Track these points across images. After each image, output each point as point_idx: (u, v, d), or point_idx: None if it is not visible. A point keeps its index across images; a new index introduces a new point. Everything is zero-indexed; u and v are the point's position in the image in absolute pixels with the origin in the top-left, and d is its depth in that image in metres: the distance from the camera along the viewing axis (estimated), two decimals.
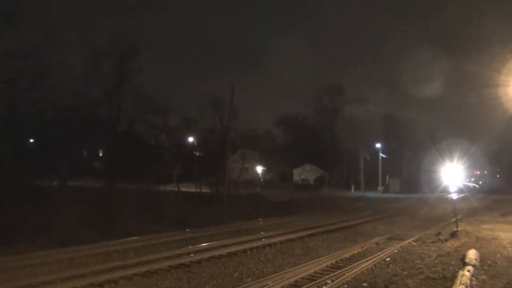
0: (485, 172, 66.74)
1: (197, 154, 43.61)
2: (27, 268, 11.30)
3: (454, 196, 34.48)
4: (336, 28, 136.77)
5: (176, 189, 36.78)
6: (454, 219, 19.76)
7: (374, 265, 12.07)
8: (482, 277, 9.94)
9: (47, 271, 10.95)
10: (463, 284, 8.72)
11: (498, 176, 68.56)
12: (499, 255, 12.53)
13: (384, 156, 58.22)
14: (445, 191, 49.43)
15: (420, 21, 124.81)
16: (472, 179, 59.17)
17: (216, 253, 13.73)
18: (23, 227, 16.24)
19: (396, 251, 14.26)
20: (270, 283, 9.97)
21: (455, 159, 52.07)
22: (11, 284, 9.77)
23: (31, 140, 34.55)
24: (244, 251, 14.43)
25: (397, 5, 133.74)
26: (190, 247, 14.75)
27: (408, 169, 64.50)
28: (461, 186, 55.94)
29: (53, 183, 28.78)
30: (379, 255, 13.32)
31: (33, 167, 26.91)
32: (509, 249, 13.48)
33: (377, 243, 16.18)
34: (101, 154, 46.07)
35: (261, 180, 63.16)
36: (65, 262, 12.14)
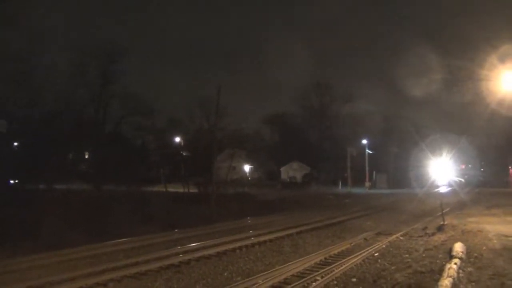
0: (470, 166, 67.60)
1: (185, 154, 43.49)
2: (14, 273, 11.16)
3: (441, 190, 34.93)
4: (326, 25, 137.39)
5: (164, 189, 36.68)
6: (441, 213, 20.02)
7: (363, 260, 12.18)
8: (469, 269, 10.09)
9: (35, 276, 10.81)
10: (450, 276, 8.85)
11: (482, 170, 69.57)
12: (484, 248, 12.72)
13: (370, 152, 58.67)
14: (432, 185, 50.14)
15: (410, 18, 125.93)
16: (458, 173, 60.01)
17: (205, 253, 13.71)
18: (9, 231, 16.03)
19: (384, 246, 14.39)
20: (260, 281, 10.00)
21: (442, 154, 52.86)
22: None
23: (15, 144, 34.16)
24: (233, 250, 14.44)
25: (387, 2, 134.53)
26: (179, 247, 14.71)
27: (396, 164, 65.09)
28: (448, 180, 56.83)
29: (39, 186, 28.41)
30: (367, 250, 13.44)
31: (19, 169, 26.60)
32: (495, 241, 13.69)
33: (365, 239, 16.31)
34: (87, 156, 45.64)
35: (249, 178, 63.17)
36: (53, 266, 12.01)
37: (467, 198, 34.32)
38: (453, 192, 41.53)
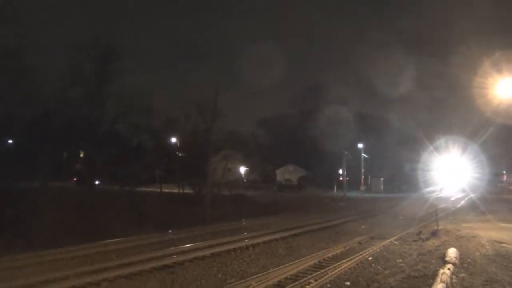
0: (465, 172, 67.70)
1: (180, 155, 43.35)
2: (6, 270, 11.09)
3: (435, 195, 34.98)
4: (312, 30, 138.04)
5: (159, 190, 36.58)
6: (435, 218, 20.06)
7: (357, 264, 12.19)
8: (462, 275, 10.11)
9: (27, 274, 10.75)
10: (443, 282, 8.87)
11: (477, 175, 69.67)
12: (478, 253, 12.76)
13: (366, 156, 58.73)
14: (427, 190, 50.30)
15: (395, 23, 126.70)
16: (453, 179, 60.33)
17: (199, 254, 13.69)
18: (1, 230, 15.95)
19: (378, 250, 14.41)
20: (254, 283, 9.99)
21: (436, 161, 52.97)
22: None
23: (10, 141, 34.02)
24: (228, 251, 14.42)
25: (371, 6, 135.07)
26: (173, 248, 14.69)
27: (392, 169, 65.07)
28: (444, 186, 57.02)
29: (33, 185, 28.27)
30: (361, 254, 13.45)
31: (12, 168, 26.45)
32: (488, 247, 13.74)
33: (359, 243, 16.33)
34: (82, 155, 45.44)
35: (244, 180, 63.06)
36: (46, 265, 11.95)
37: (460, 204, 34.46)
38: (447, 197, 41.63)
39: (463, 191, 48.97)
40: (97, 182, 36.40)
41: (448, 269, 10.09)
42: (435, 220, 19.94)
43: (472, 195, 41.95)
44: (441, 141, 56.01)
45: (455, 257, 11.59)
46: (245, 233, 18.53)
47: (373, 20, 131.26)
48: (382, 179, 62.76)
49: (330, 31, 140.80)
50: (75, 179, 39.72)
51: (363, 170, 57.77)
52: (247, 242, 16.05)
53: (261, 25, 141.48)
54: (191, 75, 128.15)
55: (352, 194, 51.50)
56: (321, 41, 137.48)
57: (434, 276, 9.76)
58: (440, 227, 18.72)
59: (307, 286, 9.88)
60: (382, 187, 61.43)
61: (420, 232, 18.12)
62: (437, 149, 55.97)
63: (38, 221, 17.44)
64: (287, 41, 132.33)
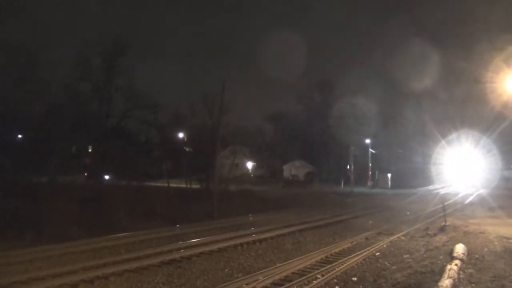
0: (472, 167, 67.25)
1: (187, 149, 43.50)
2: (16, 264, 11.23)
3: (443, 190, 34.80)
4: (328, 24, 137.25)
5: (166, 184, 36.74)
6: (443, 213, 19.96)
7: (364, 259, 12.20)
8: (470, 270, 10.07)
9: (36, 268, 10.89)
10: (450, 277, 8.84)
11: (488, 169, 69.07)
12: (486, 249, 12.68)
13: (373, 151, 58.53)
14: (436, 186, 50.12)
15: (413, 20, 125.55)
16: (463, 174, 59.98)
17: (206, 248, 13.75)
18: (12, 223, 16.11)
19: (385, 245, 14.40)
20: (260, 278, 10.03)
21: (448, 156, 52.59)
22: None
23: (20, 136, 34.36)
24: (235, 246, 14.48)
25: (388, 2, 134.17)
26: (180, 243, 14.77)
27: (399, 164, 64.81)
28: (453, 181, 56.73)
29: (42, 179, 28.50)
30: (368, 249, 13.46)
31: (22, 162, 26.68)
32: (496, 243, 13.65)
33: (366, 238, 16.31)
34: (90, 150, 45.77)
35: (252, 176, 63.13)
36: (54, 259, 12.08)
37: (468, 199, 34.26)
38: (454, 193, 41.44)
39: (474, 186, 48.68)
40: (107, 177, 36.75)
41: (456, 265, 10.05)
42: (442, 216, 19.82)
43: (482, 191, 41.70)
44: (453, 136, 55.69)
45: (463, 253, 11.53)
46: (252, 228, 18.57)
47: (392, 12, 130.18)
48: (389, 174, 62.48)
49: (348, 22, 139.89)
50: (86, 174, 40.14)
51: (370, 165, 57.62)
52: (254, 237, 16.09)
53: (276, 18, 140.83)
54: (199, 70, 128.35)
55: (359, 189, 51.37)
56: (337, 34, 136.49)
57: (441, 272, 9.72)
58: (448, 223, 18.62)
59: (314, 281, 9.90)
60: (389, 182, 61.16)
61: (427, 228, 18.04)
62: (449, 143, 55.67)
63: (47, 215, 17.57)
64: (301, 35, 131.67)
